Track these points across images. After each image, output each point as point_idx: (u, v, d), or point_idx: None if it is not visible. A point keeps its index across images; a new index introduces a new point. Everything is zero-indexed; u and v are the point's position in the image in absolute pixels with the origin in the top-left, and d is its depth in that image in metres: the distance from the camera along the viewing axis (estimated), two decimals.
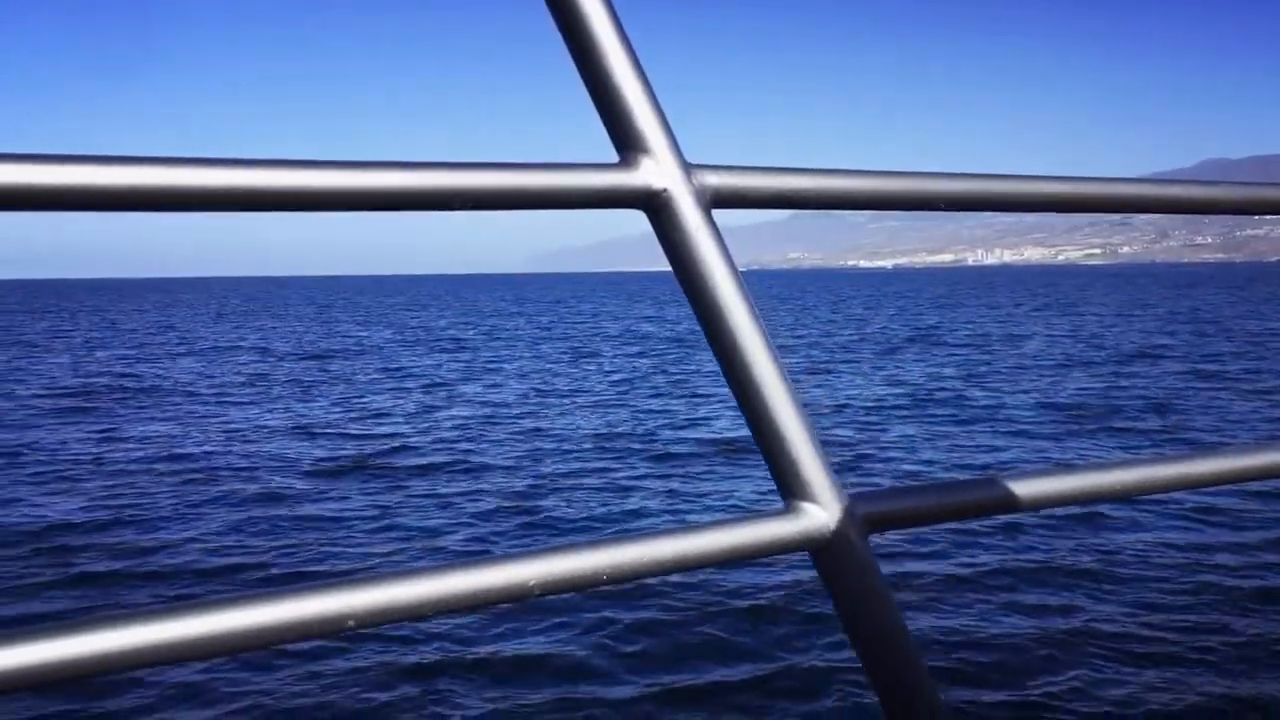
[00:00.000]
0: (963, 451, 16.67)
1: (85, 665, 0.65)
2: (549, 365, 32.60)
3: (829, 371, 28.96)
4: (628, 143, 0.87)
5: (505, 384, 27.22)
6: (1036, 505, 1.02)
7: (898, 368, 29.73)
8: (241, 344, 43.26)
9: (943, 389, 24.30)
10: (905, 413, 20.68)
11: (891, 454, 16.33)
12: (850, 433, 18.27)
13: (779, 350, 0.91)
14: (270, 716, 7.42)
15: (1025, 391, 23.55)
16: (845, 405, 21.71)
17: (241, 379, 28.72)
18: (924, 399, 22.53)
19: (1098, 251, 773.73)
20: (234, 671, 8.01)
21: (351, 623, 0.72)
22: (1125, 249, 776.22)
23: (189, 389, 26.19)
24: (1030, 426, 18.77)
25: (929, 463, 15.73)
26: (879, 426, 18.98)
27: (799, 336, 44.30)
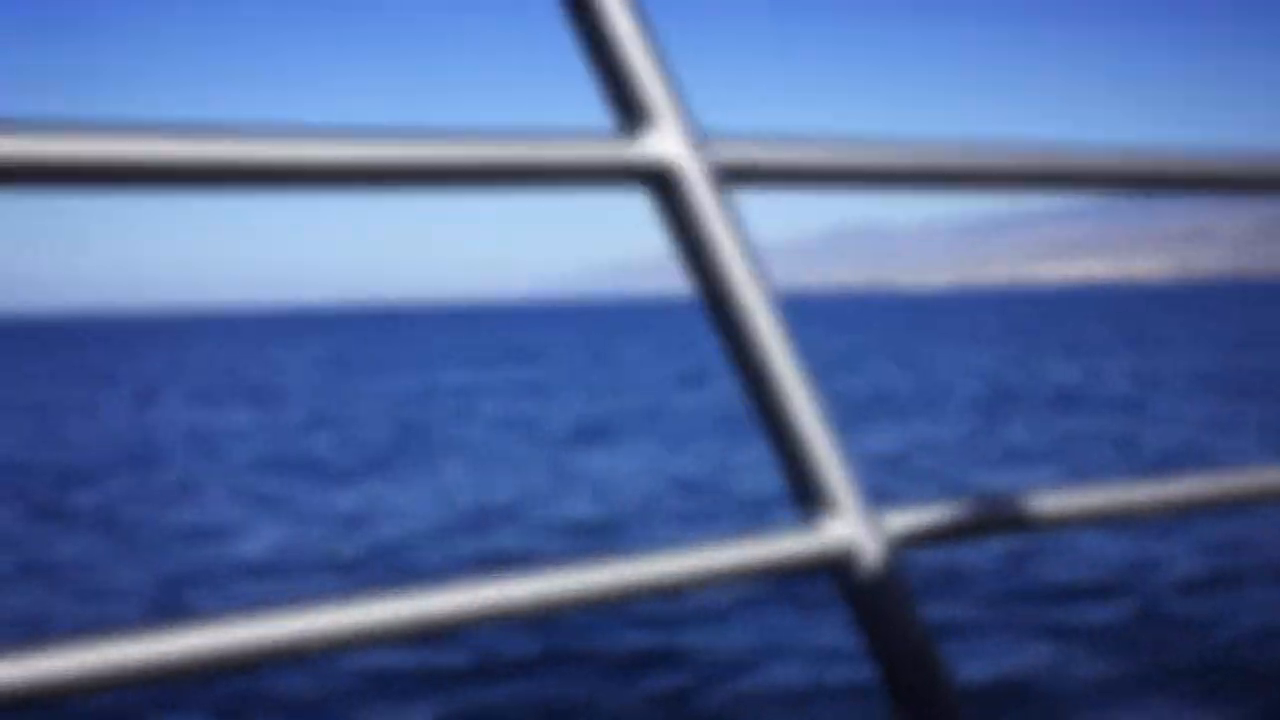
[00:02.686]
0: None
1: (100, 678, 0.61)
2: None
3: None
4: (632, 112, 0.77)
5: None
6: (1075, 521, 0.95)
7: None
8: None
9: None
10: None
11: None
12: None
13: (798, 345, 0.82)
14: None
15: None
16: None
17: None
18: None
19: (1169, 265, 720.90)
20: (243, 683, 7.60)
21: (368, 637, 0.68)
22: (1200, 263, 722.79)
23: None
24: None
25: None
26: None
27: None
